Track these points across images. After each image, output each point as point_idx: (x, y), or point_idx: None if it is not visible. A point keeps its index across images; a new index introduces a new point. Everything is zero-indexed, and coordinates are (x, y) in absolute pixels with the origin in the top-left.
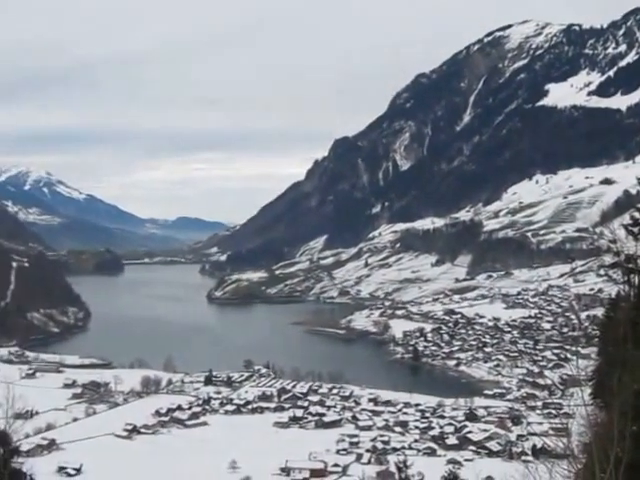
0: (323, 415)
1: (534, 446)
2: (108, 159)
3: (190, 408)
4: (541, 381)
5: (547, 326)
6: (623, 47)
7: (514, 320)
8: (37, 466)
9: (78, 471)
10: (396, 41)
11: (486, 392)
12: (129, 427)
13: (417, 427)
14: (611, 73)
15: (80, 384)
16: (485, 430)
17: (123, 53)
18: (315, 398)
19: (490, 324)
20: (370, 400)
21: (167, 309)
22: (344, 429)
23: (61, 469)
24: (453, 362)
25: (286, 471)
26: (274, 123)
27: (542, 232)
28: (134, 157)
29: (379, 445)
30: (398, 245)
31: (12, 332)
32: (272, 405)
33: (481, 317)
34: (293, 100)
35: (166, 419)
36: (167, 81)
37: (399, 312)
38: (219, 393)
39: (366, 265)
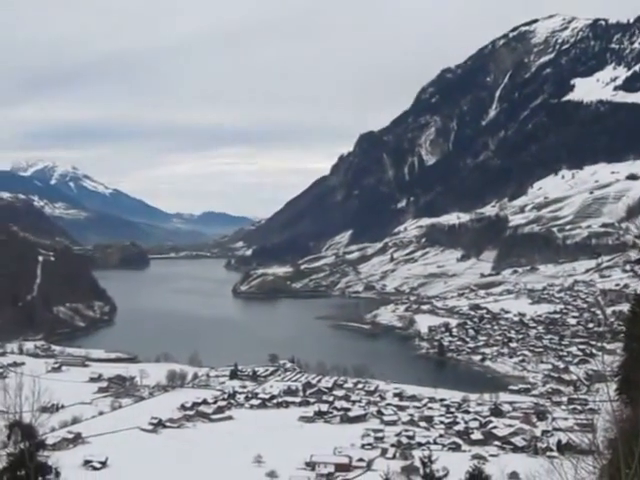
0: (348, 410)
1: (559, 442)
2: (134, 154)
3: (215, 402)
4: (566, 377)
5: (573, 321)
6: None
7: (539, 315)
8: (63, 459)
9: (103, 464)
10: (422, 36)
11: (511, 387)
12: (154, 421)
13: (442, 422)
14: (637, 68)
15: (106, 378)
16: (510, 425)
17: (150, 48)
18: (340, 393)
19: (515, 319)
20: (395, 395)
21: (193, 303)
22: (369, 424)
23: (87, 462)
24: (478, 357)
25: (311, 465)
26: (300, 118)
27: (568, 227)
28: (160, 152)
29: (404, 440)
30: (424, 240)
31: (38, 326)
32: (297, 399)
33: (506, 312)
34: (319, 95)
35: (191, 413)
36: (194, 76)
37: (424, 307)
38: (244, 387)
39: (391, 260)
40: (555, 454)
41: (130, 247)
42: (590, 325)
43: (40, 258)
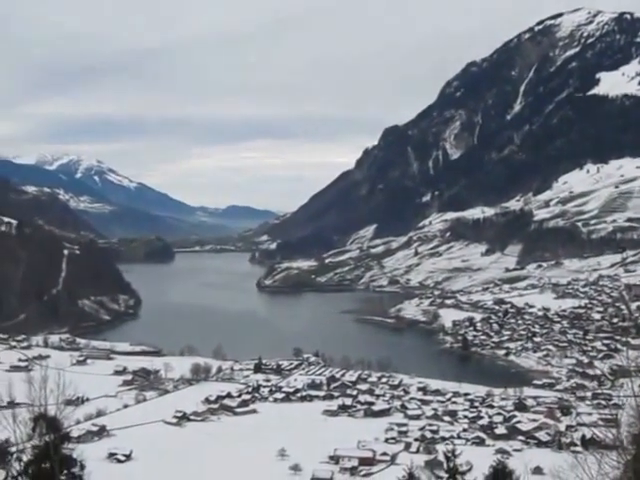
0: (372, 404)
1: (583, 437)
2: (159, 147)
3: (239, 396)
4: (591, 371)
5: (597, 316)
6: None
7: (564, 310)
8: (87, 452)
9: (128, 457)
10: (447, 29)
11: (535, 382)
12: (179, 414)
13: (466, 416)
14: None
15: (130, 371)
16: (534, 420)
17: (175, 42)
18: (364, 387)
19: (540, 314)
20: (419, 389)
21: (217, 297)
22: (393, 418)
23: (111, 455)
24: (502, 352)
25: (335, 459)
26: (324, 112)
27: (593, 222)
28: (185, 145)
29: (428, 434)
30: (448, 234)
31: (63, 319)
32: (321, 393)
33: (531, 307)
34: (343, 89)
35: (216, 406)
36: (218, 70)
37: (448, 301)
38: (268, 381)
39: (416, 254)
40: (579, 449)
41: (155, 241)
42: (615, 320)
43: (65, 252)
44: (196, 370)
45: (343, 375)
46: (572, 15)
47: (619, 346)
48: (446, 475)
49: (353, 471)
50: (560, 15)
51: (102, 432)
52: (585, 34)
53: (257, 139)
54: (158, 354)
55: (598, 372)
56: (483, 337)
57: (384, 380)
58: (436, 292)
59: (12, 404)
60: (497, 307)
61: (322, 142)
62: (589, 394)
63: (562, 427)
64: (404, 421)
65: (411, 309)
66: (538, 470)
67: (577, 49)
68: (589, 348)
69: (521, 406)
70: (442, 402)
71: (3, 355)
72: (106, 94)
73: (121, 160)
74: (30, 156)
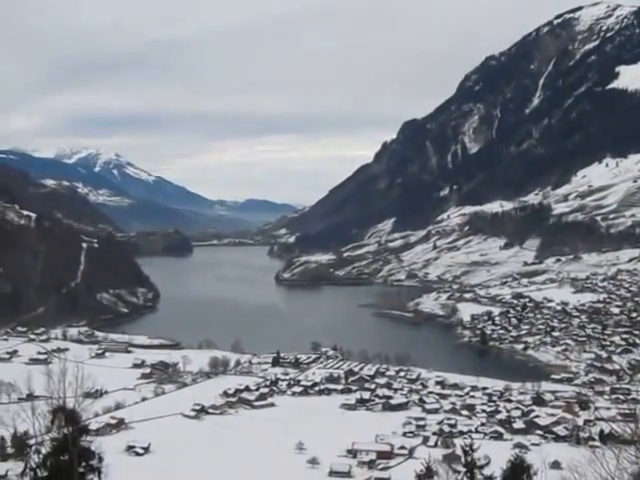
0: (390, 398)
1: (602, 431)
2: (177, 141)
3: (258, 389)
4: (609, 366)
5: (616, 311)
6: None
7: (582, 304)
8: (106, 445)
9: (146, 450)
10: (466, 23)
11: (554, 376)
12: (197, 407)
13: (484, 411)
14: None
15: (149, 364)
16: (552, 415)
17: (196, 36)
18: (382, 380)
19: (558, 308)
20: (437, 383)
21: (235, 290)
22: (411, 412)
23: (130, 448)
24: (521, 346)
25: (352, 453)
26: (343, 106)
27: (612, 216)
28: (203, 139)
29: (446, 428)
30: (467, 228)
31: (82, 312)
32: (339, 387)
33: (549, 301)
34: (362, 82)
35: (234, 400)
36: (239, 64)
37: (467, 295)
38: (286, 374)
39: (434, 248)
40: (597, 444)
41: (173, 234)
42: (633, 314)
43: (84, 245)
44: (214, 363)
45: (361, 369)
46: (591, 9)
47: (638, 341)
48: (464, 469)
49: (371, 465)
50: (579, 9)
51: (120, 425)
52: (604, 28)
53: (276, 133)
54: (176, 347)
55: (617, 367)
56: (501, 331)
57: (402, 374)
58: (454, 286)
59: (31, 396)
60: (515, 301)
61: (341, 136)
62: (607, 389)
63: (580, 422)
64: (422, 415)
65: (429, 303)
66: (556, 465)
67: (596, 43)
68: (608, 343)
69: (539, 400)
70: (460, 396)
71: (22, 348)
72: (125, 88)
73: (140, 154)
74: (49, 150)
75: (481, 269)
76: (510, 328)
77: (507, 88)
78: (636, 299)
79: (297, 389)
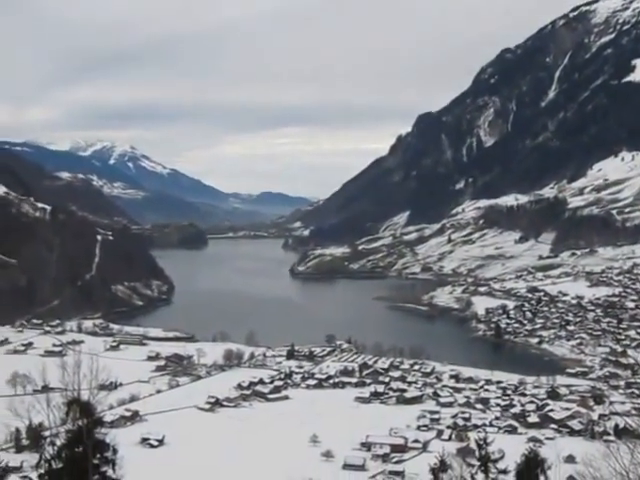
0: (404, 391)
1: (616, 426)
2: (192, 134)
3: (272, 382)
4: (624, 360)
5: (631, 305)
6: None
7: (598, 298)
8: (120, 437)
9: (161, 442)
10: (482, 15)
11: (568, 370)
12: (211, 400)
13: (498, 404)
14: None
15: (163, 357)
16: (567, 409)
17: (210, 29)
18: (396, 374)
19: (573, 302)
20: (451, 377)
21: (250, 283)
22: (425, 405)
23: (144, 440)
24: (535, 340)
25: (367, 446)
26: (358, 98)
27: (627, 210)
28: (218, 132)
29: (460, 422)
30: (482, 221)
31: (97, 305)
32: (353, 380)
33: (564, 295)
34: (377, 76)
35: (248, 392)
36: (254, 56)
37: (482, 289)
38: (301, 367)
39: (449, 241)
40: (612, 438)
41: (188, 227)
42: None
43: (99, 237)
44: (229, 356)
45: (375, 362)
46: (607, 1)
47: None
48: (478, 463)
49: (385, 458)
50: (595, 1)
51: (135, 417)
52: (620, 20)
53: (290, 126)
54: (191, 340)
55: (632, 361)
56: (516, 325)
57: (416, 367)
58: (469, 279)
59: (46, 388)
60: (530, 295)
61: (356, 129)
62: (622, 383)
63: (595, 416)
64: (436, 408)
65: (444, 296)
66: (570, 459)
67: (612, 35)
68: (623, 337)
69: (554, 394)
70: (474, 390)
71: (38, 340)
72: (140, 81)
73: (155, 146)
74: (64, 142)
75: (496, 262)
76: (525, 322)
77: (523, 81)
78: None
79: (311, 382)
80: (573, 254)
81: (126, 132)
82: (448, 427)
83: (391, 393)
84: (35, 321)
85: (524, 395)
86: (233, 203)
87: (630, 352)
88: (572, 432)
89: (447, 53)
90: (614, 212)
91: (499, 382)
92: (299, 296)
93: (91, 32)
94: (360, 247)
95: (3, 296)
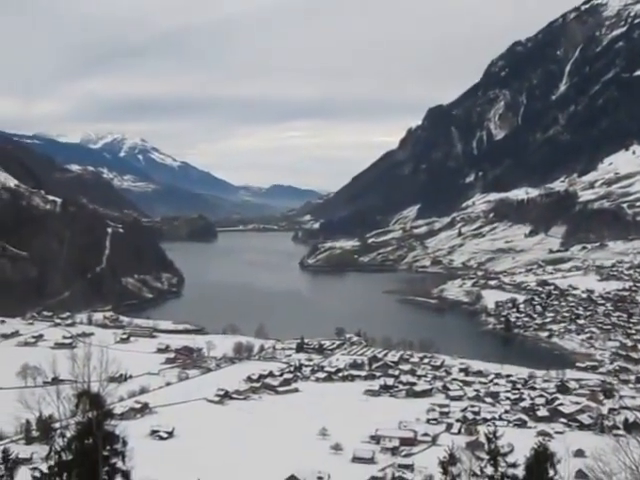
0: (414, 384)
1: (626, 420)
2: (202, 126)
3: (281, 375)
4: (634, 354)
5: None
6: None
7: (608, 292)
8: (130, 429)
9: (170, 434)
10: (492, 9)
11: (578, 364)
12: (221, 392)
13: (508, 398)
14: None
15: (173, 349)
16: (577, 403)
17: (221, 22)
18: (406, 367)
19: (583, 296)
20: (461, 370)
21: (260, 276)
22: (434, 399)
23: (154, 432)
24: (545, 334)
25: (376, 439)
26: (369, 92)
27: (638, 203)
28: (228, 125)
29: (469, 415)
30: (492, 215)
31: (107, 297)
32: (363, 373)
33: (574, 289)
34: (388, 69)
35: (257, 385)
36: (265, 49)
37: (492, 282)
38: (310, 360)
39: (459, 234)
40: (622, 432)
41: (198, 219)
42: None
43: (109, 230)
44: (238, 349)
45: (385, 355)
46: None
47: None
48: (487, 456)
49: (394, 451)
50: None
51: (145, 409)
52: (632, 14)
53: (301, 119)
54: (201, 332)
55: None
56: (526, 319)
57: (426, 361)
58: (479, 273)
59: (56, 380)
60: (540, 289)
61: (366, 122)
62: (632, 377)
63: (605, 410)
64: (446, 402)
65: (454, 290)
66: (580, 453)
67: (624, 29)
68: (633, 331)
69: (563, 388)
70: (484, 383)
71: (48, 332)
72: (150, 74)
73: (165, 139)
74: (74, 135)
75: (506, 256)
76: (535, 315)
77: (533, 74)
78: None
79: (321, 375)
80: (583, 248)
81: (136, 125)
82: (457, 421)
83: (400, 386)
84: (45, 313)
85: (534, 389)
86: (243, 196)
87: None
88: (582, 426)
89: (458, 46)
90: (625, 206)
91: (509, 376)
92: (309, 289)
93: (102, 26)
94: (370, 240)
95: (14, 288)
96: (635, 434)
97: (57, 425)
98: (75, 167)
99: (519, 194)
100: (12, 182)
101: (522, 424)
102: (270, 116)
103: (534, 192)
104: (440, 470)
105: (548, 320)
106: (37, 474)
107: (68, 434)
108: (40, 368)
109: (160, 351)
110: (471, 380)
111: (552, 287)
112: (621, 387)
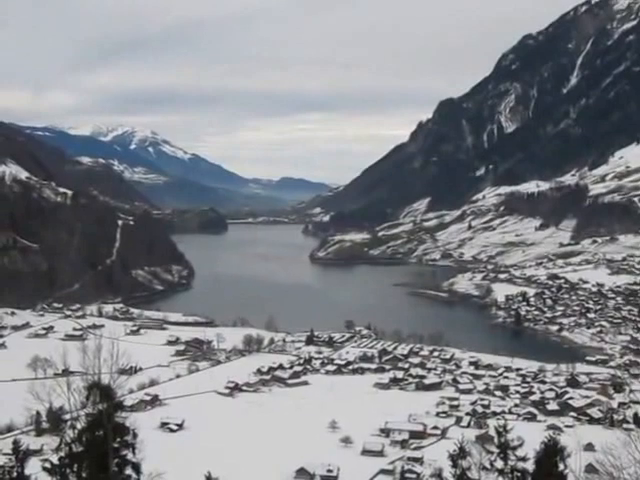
0: (423, 377)
1: (636, 414)
2: (213, 119)
3: (291, 367)
4: None
5: None
6: None
7: (618, 286)
8: (140, 421)
9: (180, 427)
10: (502, 2)
11: (588, 358)
12: (231, 385)
13: (518, 392)
14: None
15: (183, 341)
16: (586, 397)
17: (230, 14)
18: (416, 360)
19: (594, 290)
20: (471, 363)
21: (270, 268)
22: (444, 392)
23: (164, 424)
24: (555, 327)
25: (385, 432)
26: (380, 85)
27: None
28: (239, 117)
29: (479, 409)
30: (502, 208)
31: (117, 289)
32: (373, 366)
33: (585, 282)
34: (398, 62)
35: (267, 378)
36: (275, 42)
37: (502, 276)
38: (320, 353)
39: (469, 228)
40: (632, 426)
41: (208, 212)
42: None
43: (119, 222)
44: (248, 341)
45: (395, 348)
46: None
47: None
48: (497, 450)
49: (404, 444)
50: None
51: (155, 401)
52: None
53: (311, 111)
54: (211, 325)
55: None
56: (536, 312)
57: (436, 354)
58: (489, 266)
59: (67, 372)
60: (551, 282)
61: (376, 115)
62: None
63: (615, 404)
64: (455, 395)
65: (464, 283)
66: (590, 447)
67: (635, 22)
68: None
69: (573, 382)
70: (494, 377)
71: (58, 324)
72: (162, 66)
73: (176, 131)
74: (85, 127)
75: (516, 249)
76: (545, 309)
77: (544, 67)
78: None
79: (331, 368)
80: (594, 241)
81: (147, 117)
82: (467, 414)
83: (410, 379)
84: (56, 305)
85: (544, 383)
86: (253, 188)
87: None
88: (591, 420)
89: (468, 39)
90: (636, 199)
91: (519, 369)
92: (319, 282)
93: (114, 18)
94: (380, 233)
95: (24, 280)
96: None
97: (67, 417)
98: (86, 159)
99: (530, 187)
100: (23, 174)
101: (532, 418)
102: (280, 109)
103: (545, 185)
104: (450, 463)
105: (558, 314)
106: (47, 465)
107: (78, 426)
108: (50, 360)
109: (170, 343)
110: (481, 373)
111: (562, 281)
112: (631, 381)
